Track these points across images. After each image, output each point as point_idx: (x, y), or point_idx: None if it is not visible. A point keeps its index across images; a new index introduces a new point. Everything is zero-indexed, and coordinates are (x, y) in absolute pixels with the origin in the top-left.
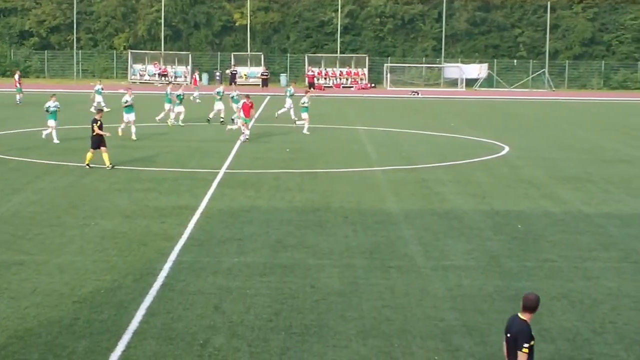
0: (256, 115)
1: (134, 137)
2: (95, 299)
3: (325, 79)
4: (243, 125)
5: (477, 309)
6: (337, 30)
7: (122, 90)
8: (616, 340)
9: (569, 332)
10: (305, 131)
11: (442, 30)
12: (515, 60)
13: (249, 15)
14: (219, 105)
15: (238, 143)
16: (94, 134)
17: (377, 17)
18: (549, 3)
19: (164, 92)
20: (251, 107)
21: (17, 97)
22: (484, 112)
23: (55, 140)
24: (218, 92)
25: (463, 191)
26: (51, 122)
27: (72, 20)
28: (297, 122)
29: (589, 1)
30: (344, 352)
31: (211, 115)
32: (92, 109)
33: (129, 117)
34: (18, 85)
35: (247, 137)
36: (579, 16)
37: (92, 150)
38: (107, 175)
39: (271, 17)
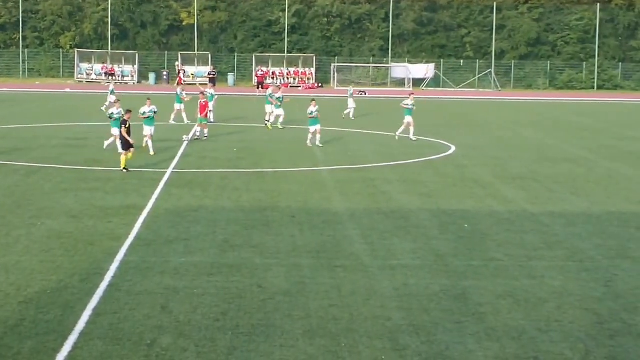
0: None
1: (152, 152)
2: (42, 300)
3: (273, 78)
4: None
5: (423, 308)
6: (285, 29)
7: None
8: (561, 338)
9: (514, 330)
10: (411, 136)
11: (389, 30)
12: (461, 61)
13: (196, 14)
14: (279, 111)
15: (185, 143)
16: (121, 135)
17: (325, 17)
18: (495, 3)
19: (175, 92)
20: (205, 106)
21: None
22: (430, 111)
23: (120, 150)
24: (279, 99)
25: (409, 190)
26: (114, 131)
27: (18, 19)
28: (398, 134)
29: (535, 2)
30: (291, 352)
31: (272, 119)
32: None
33: (150, 130)
34: None
35: (196, 135)
36: (524, 17)
37: (124, 152)
38: (52, 175)
39: (218, 16)
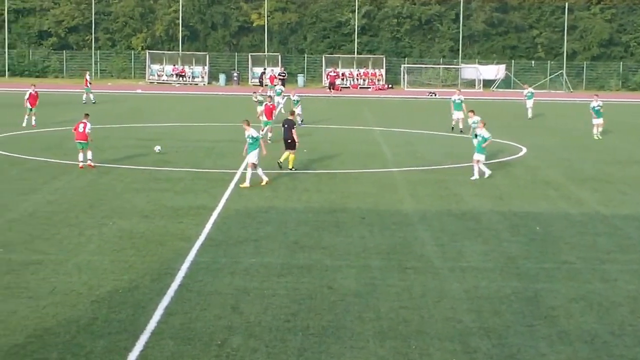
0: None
1: (246, 183)
2: (114, 299)
3: (343, 79)
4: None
5: (494, 311)
6: (355, 31)
7: None
8: (635, 342)
9: (587, 334)
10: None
11: (459, 31)
12: (533, 61)
13: (266, 15)
14: (457, 115)
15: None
16: (291, 134)
17: (394, 18)
18: (566, 4)
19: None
20: (273, 109)
21: (84, 96)
22: (501, 113)
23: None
24: (454, 101)
25: (480, 192)
26: (478, 156)
27: (91, 21)
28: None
29: (607, 2)
30: (361, 353)
31: (453, 124)
32: (283, 111)
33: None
34: (88, 84)
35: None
36: (596, 17)
37: (291, 152)
38: (123, 175)
39: (288, 17)
